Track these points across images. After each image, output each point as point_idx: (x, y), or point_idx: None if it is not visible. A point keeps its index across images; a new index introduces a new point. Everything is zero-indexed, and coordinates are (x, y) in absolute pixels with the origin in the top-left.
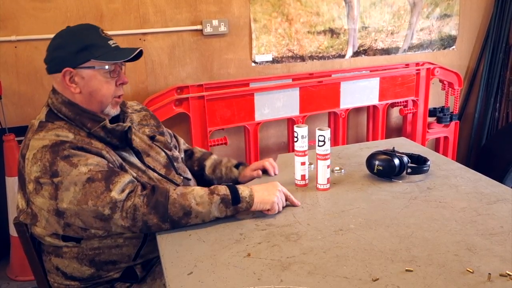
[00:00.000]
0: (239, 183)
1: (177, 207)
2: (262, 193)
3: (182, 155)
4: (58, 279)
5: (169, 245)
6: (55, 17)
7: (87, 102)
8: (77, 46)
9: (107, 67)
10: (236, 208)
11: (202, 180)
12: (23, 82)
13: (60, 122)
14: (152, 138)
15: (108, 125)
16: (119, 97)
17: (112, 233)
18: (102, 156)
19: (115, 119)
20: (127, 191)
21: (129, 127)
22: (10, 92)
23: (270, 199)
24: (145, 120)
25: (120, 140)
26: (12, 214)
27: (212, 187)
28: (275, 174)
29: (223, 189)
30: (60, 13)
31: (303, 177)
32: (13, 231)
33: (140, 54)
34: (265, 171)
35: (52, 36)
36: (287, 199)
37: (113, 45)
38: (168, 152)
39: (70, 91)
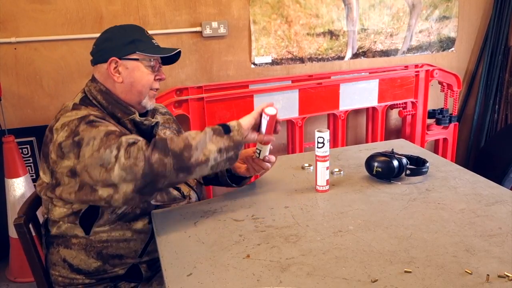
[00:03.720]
0: (234, 175)
1: (175, 141)
2: (247, 119)
3: None
4: (63, 271)
5: (168, 246)
6: (54, 19)
7: (127, 91)
8: (125, 39)
9: (150, 60)
10: (230, 138)
11: (204, 177)
12: (23, 84)
13: (93, 108)
14: None
15: (138, 118)
16: (155, 90)
17: (120, 202)
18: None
19: (144, 116)
20: (131, 140)
21: (157, 122)
22: (10, 94)
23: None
24: (168, 123)
25: (144, 136)
26: (11, 215)
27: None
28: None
29: (211, 126)
30: (60, 15)
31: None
32: (12, 233)
33: (179, 56)
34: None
35: (52, 37)
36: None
37: (155, 44)
38: None
39: (112, 80)
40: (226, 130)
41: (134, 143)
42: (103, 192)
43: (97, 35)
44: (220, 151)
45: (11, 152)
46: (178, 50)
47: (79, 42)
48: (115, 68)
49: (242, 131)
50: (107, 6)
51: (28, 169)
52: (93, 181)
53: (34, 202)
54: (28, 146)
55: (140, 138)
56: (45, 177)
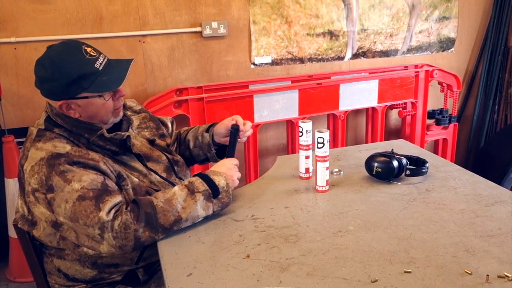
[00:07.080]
0: (219, 146)
1: (166, 215)
2: (229, 173)
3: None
4: (59, 280)
5: (168, 247)
6: (54, 19)
7: (87, 120)
8: (66, 79)
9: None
10: (218, 201)
11: (191, 156)
12: (23, 84)
13: (59, 130)
14: (151, 142)
15: (106, 134)
16: (119, 107)
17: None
18: (99, 169)
19: (118, 125)
20: (113, 211)
21: (128, 136)
22: (10, 94)
23: (236, 176)
24: (144, 123)
25: (120, 147)
26: (11, 215)
27: (188, 183)
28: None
29: (200, 185)
30: (60, 14)
31: (307, 170)
32: (12, 233)
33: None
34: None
35: (52, 37)
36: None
37: (101, 68)
38: (169, 156)
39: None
40: (215, 192)
41: (115, 217)
42: (89, 250)
43: (97, 35)
44: (207, 217)
45: (11, 152)
46: (130, 64)
47: None
48: (67, 107)
49: (230, 191)
50: (107, 6)
51: None
52: (78, 242)
53: None
54: None
55: (122, 202)
56: (23, 208)
